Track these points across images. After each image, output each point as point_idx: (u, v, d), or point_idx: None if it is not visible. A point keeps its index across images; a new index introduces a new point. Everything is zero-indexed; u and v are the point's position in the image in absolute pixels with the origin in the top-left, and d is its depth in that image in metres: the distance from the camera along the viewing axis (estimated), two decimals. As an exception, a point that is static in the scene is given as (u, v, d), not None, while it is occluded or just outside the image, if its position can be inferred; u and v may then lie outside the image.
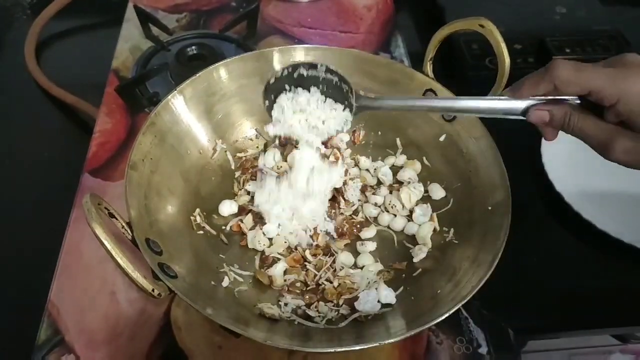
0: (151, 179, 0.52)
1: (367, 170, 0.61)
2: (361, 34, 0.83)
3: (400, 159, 0.62)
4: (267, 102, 0.50)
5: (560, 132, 0.44)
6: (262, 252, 0.54)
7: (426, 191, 0.59)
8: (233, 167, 0.61)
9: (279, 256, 0.53)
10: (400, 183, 0.59)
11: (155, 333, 0.51)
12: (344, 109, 0.50)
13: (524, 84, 0.43)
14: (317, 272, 0.52)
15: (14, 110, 0.75)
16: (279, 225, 0.54)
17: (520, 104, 0.44)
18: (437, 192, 0.58)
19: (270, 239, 0.54)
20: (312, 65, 0.48)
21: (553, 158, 0.64)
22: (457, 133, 0.58)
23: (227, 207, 0.57)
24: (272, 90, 0.50)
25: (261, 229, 0.54)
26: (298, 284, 0.51)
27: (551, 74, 0.41)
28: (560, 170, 0.63)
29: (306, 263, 0.53)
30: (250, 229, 0.55)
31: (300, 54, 0.63)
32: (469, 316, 0.53)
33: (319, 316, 0.49)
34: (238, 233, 0.56)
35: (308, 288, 0.51)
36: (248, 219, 0.55)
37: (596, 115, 0.41)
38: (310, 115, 0.50)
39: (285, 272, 0.52)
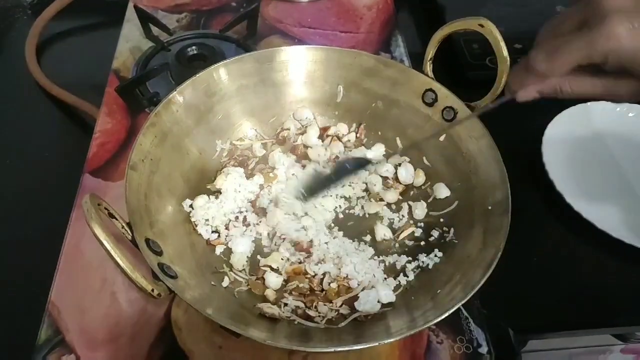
0: (151, 179, 0.52)
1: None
2: (361, 33, 0.83)
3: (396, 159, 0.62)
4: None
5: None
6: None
7: (430, 191, 0.59)
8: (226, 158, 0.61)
9: (269, 269, 0.52)
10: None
11: (155, 333, 0.51)
12: None
13: (511, 80, 0.44)
14: (322, 277, 0.52)
15: (14, 110, 0.75)
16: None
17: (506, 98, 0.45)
18: (442, 191, 0.58)
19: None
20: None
21: (553, 158, 0.64)
22: (457, 133, 0.58)
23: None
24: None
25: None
26: (301, 285, 0.51)
27: (531, 70, 0.41)
28: (560, 170, 0.63)
29: (307, 276, 0.52)
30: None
31: (300, 54, 0.63)
32: (469, 316, 0.53)
33: (319, 316, 0.49)
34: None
35: (310, 292, 0.51)
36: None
37: (591, 71, 0.40)
38: None
39: (287, 281, 0.52)
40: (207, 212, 0.54)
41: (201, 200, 0.55)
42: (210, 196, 0.56)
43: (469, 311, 0.53)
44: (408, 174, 0.60)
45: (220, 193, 0.57)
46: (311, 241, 0.54)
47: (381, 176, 0.60)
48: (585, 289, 0.58)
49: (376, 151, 0.63)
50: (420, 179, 0.60)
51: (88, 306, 0.52)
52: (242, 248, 0.53)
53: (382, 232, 0.56)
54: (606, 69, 0.39)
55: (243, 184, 0.57)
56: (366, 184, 0.60)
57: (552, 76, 0.41)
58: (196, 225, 0.54)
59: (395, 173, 0.60)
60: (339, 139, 0.63)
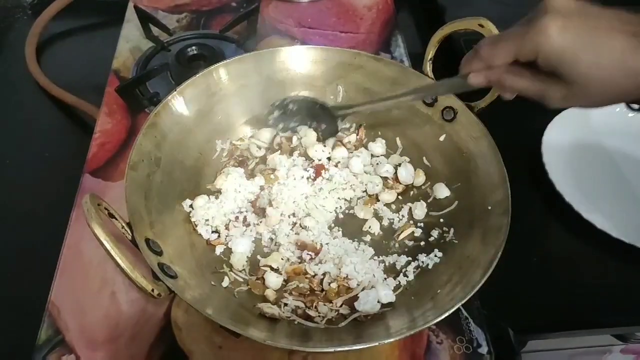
0: (151, 179, 0.52)
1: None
2: (361, 34, 0.83)
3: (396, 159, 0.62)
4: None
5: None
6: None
7: (430, 191, 0.59)
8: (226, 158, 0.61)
9: (269, 268, 0.52)
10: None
11: (155, 333, 0.51)
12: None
13: (462, 64, 0.46)
14: (322, 277, 0.52)
15: (15, 110, 0.75)
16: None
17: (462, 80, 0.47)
18: (442, 191, 0.58)
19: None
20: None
21: (553, 158, 0.64)
22: (457, 133, 0.58)
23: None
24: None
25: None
26: (301, 285, 0.51)
27: (477, 54, 0.44)
28: (560, 170, 0.63)
29: (307, 276, 0.52)
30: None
31: (300, 54, 0.63)
32: (469, 316, 0.53)
33: (319, 316, 0.49)
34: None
35: (310, 292, 0.51)
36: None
37: (532, 70, 0.41)
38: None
39: (287, 281, 0.52)
40: (207, 212, 0.54)
41: (201, 200, 0.55)
42: (210, 196, 0.56)
43: (468, 311, 0.53)
44: (408, 174, 0.60)
45: (220, 193, 0.57)
46: (319, 243, 0.54)
47: (381, 177, 0.60)
48: (585, 289, 0.58)
49: (377, 147, 0.63)
50: (420, 178, 0.60)
51: (88, 306, 0.52)
52: (242, 248, 0.53)
53: (372, 226, 0.56)
54: (540, 67, 0.40)
55: (243, 184, 0.57)
56: (366, 184, 0.60)
57: (493, 64, 0.43)
58: (196, 225, 0.54)
59: (395, 173, 0.60)
60: (343, 144, 0.63)
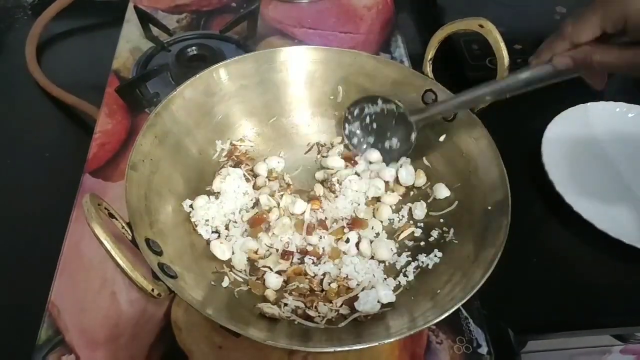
0: (151, 179, 0.52)
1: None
2: (361, 34, 0.83)
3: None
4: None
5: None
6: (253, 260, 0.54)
7: (430, 191, 0.59)
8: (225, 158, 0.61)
9: (268, 269, 0.52)
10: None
11: (155, 333, 0.51)
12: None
13: (542, 49, 0.45)
14: (322, 277, 0.52)
15: (15, 111, 0.75)
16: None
17: (546, 67, 0.46)
18: (442, 191, 0.58)
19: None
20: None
21: (553, 158, 0.64)
22: (457, 133, 0.58)
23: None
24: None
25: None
26: (301, 285, 0.51)
27: (562, 34, 0.43)
28: (560, 170, 0.63)
29: (307, 276, 0.52)
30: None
31: (300, 54, 0.63)
32: (469, 316, 0.53)
33: (319, 316, 0.49)
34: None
35: (310, 292, 0.51)
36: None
37: (621, 44, 0.42)
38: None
39: (287, 281, 0.52)
40: (207, 213, 0.54)
41: (201, 200, 0.55)
42: (211, 196, 0.56)
43: (468, 311, 0.53)
44: (409, 175, 0.60)
45: (220, 194, 0.57)
46: (320, 248, 0.54)
47: (384, 180, 0.60)
48: (585, 289, 0.58)
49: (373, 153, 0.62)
50: (421, 179, 0.60)
51: (88, 306, 0.52)
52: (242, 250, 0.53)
53: (374, 226, 0.56)
54: (629, 35, 0.40)
55: (242, 185, 0.57)
56: (368, 189, 0.59)
57: (580, 41, 0.42)
58: (196, 226, 0.54)
59: (396, 175, 0.60)
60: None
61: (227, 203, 0.56)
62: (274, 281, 0.51)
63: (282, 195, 0.58)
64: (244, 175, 0.59)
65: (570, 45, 0.43)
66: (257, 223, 0.55)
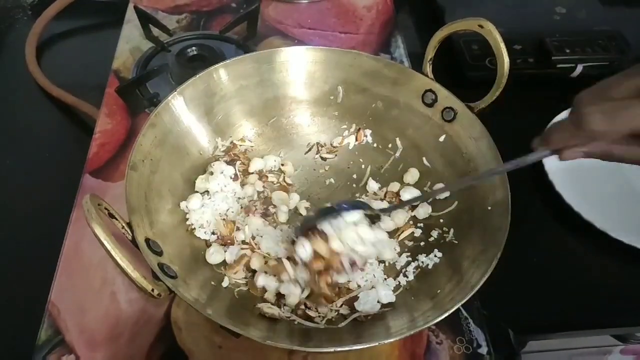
0: (151, 179, 0.52)
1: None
2: (361, 34, 0.83)
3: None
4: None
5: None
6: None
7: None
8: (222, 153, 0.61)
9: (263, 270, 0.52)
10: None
11: (155, 333, 0.51)
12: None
13: (553, 135, 0.41)
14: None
15: (14, 111, 0.75)
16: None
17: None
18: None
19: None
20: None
21: (553, 158, 0.64)
22: (457, 133, 0.58)
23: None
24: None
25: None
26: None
27: (584, 129, 0.37)
28: (560, 171, 0.63)
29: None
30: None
31: (300, 55, 0.63)
32: (469, 316, 0.53)
33: (319, 316, 0.49)
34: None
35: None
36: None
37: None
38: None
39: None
40: (201, 217, 0.54)
41: (195, 201, 0.55)
42: (204, 195, 0.56)
43: (468, 311, 0.53)
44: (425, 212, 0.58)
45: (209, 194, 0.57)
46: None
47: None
48: (585, 289, 0.58)
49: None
50: (410, 176, 0.60)
51: (88, 306, 0.52)
52: (237, 249, 0.53)
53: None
54: None
55: (229, 184, 0.57)
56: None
57: (606, 139, 0.37)
58: (193, 229, 0.54)
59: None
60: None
61: (219, 204, 0.56)
62: (272, 285, 0.51)
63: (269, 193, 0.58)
64: (235, 174, 0.58)
65: (591, 139, 0.38)
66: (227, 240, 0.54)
